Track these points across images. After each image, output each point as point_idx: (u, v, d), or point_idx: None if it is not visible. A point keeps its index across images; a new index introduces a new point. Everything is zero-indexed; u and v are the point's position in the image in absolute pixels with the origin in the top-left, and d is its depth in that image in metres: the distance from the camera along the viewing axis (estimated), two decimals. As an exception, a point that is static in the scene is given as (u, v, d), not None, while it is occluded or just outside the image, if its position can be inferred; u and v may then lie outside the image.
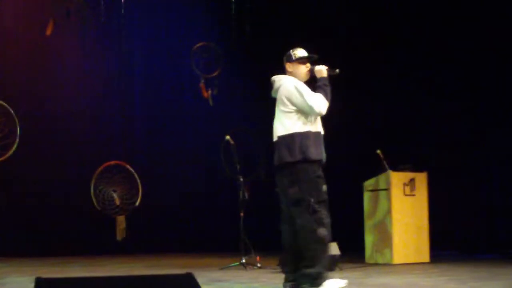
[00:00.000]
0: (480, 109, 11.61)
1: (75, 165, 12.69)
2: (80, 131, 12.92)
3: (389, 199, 10.01)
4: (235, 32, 13.19)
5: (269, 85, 6.73)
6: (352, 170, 12.01)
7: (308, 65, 6.69)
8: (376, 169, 10.10)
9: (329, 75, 6.60)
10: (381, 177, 10.13)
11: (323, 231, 6.25)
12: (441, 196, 10.91)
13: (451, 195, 11.70)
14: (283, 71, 6.76)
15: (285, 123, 6.45)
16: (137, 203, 11.83)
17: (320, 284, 6.18)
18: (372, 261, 10.07)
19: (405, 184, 10.10)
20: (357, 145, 12.45)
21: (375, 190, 10.21)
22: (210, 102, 10.50)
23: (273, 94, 6.69)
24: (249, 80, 13.96)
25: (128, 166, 11.95)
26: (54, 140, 12.56)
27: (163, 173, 13.66)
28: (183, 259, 11.47)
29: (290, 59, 6.73)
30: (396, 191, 10.08)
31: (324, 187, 6.43)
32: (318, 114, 6.39)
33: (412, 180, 10.20)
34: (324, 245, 6.32)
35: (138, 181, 11.98)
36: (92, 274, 8.43)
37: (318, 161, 6.40)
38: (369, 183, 10.31)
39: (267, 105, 14.20)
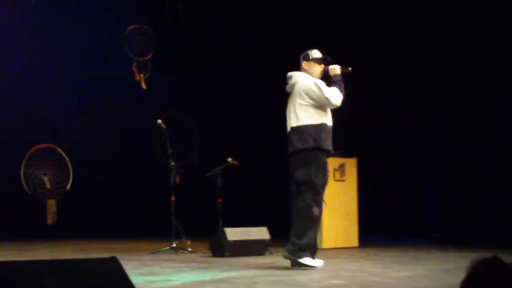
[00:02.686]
0: (413, 95, 11.79)
1: (4, 148, 12.49)
2: (10, 113, 12.71)
3: (319, 184, 10.12)
4: (169, 15, 13.12)
5: (284, 80, 7.44)
6: (281, 154, 12.09)
7: (322, 65, 7.37)
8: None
9: (343, 73, 7.32)
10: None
11: (317, 212, 6.99)
12: (370, 182, 11.10)
13: (380, 181, 11.91)
14: (297, 67, 7.41)
15: (300, 116, 7.11)
16: (68, 187, 11.69)
17: (301, 256, 6.91)
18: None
19: (335, 170, 10.24)
20: (284, 130, 12.54)
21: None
22: (143, 85, 10.41)
23: (288, 89, 7.41)
24: (182, 64, 13.92)
25: (59, 150, 11.78)
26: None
27: (94, 157, 13.55)
28: (114, 243, 11.42)
29: (307, 58, 7.40)
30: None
31: (327, 174, 7.17)
32: (334, 106, 7.12)
33: (342, 166, 10.36)
34: (314, 223, 7.01)
35: (69, 164, 11.83)
36: (18, 258, 8.34)
37: (328, 151, 7.13)
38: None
39: (202, 89, 14.23)
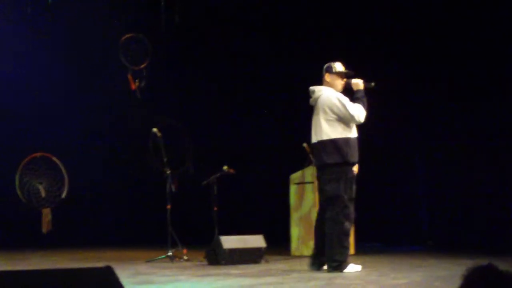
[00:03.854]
0: (405, 101, 11.81)
1: (-1, 157, 12.49)
2: (5, 122, 12.70)
3: (314, 192, 10.13)
4: (164, 23, 13.13)
5: (306, 94, 7.63)
6: (279, 163, 12.12)
7: (345, 79, 7.55)
8: (303, 163, 10.22)
9: (365, 88, 7.51)
10: (307, 171, 10.25)
11: (348, 225, 7.33)
12: (366, 189, 11.10)
13: (376, 188, 11.91)
14: (320, 81, 7.58)
15: (325, 129, 7.34)
16: (63, 196, 11.68)
17: (344, 268, 7.23)
18: (298, 253, 10.18)
19: (330, 178, 10.22)
20: (284, 139, 12.57)
21: (301, 183, 10.32)
22: (138, 94, 10.42)
23: (311, 103, 7.61)
24: (178, 72, 13.93)
25: (54, 158, 11.78)
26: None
27: (90, 165, 13.54)
28: (109, 252, 11.40)
29: (331, 71, 7.56)
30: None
31: (354, 187, 7.39)
32: (358, 122, 7.37)
33: (337, 174, 10.35)
34: (348, 236, 7.34)
35: (65, 173, 11.83)
36: (12, 267, 8.31)
37: (353, 163, 7.39)
38: (295, 176, 10.41)
39: (196, 98, 14.24)
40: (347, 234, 7.33)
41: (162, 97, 13.33)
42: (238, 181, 10.84)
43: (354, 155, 7.37)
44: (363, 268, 7.64)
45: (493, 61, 10.71)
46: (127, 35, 10.53)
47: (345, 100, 7.36)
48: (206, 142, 13.32)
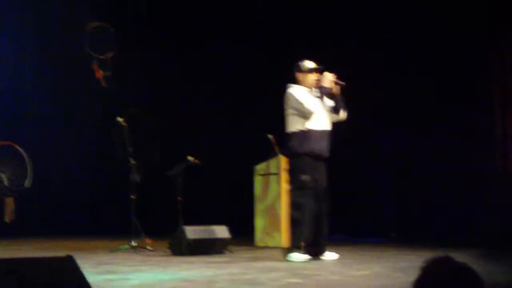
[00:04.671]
0: (364, 102, 11.88)
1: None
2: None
3: (279, 183, 10.18)
4: (131, 13, 13.07)
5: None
6: (243, 154, 12.12)
7: (317, 75, 7.76)
8: (267, 154, 10.25)
9: (338, 84, 7.74)
10: (272, 162, 10.29)
11: (294, 213, 7.65)
12: (331, 181, 11.14)
13: (340, 180, 11.96)
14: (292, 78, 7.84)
15: (287, 123, 7.78)
16: (27, 185, 11.58)
17: (290, 253, 7.60)
18: (262, 244, 10.22)
19: (296, 169, 10.27)
20: (249, 130, 12.57)
21: (266, 175, 10.36)
22: (103, 83, 10.35)
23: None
24: (144, 62, 13.87)
25: (17, 147, 11.66)
26: None
27: (54, 154, 13.44)
28: (73, 241, 11.34)
29: (300, 69, 7.82)
30: (287, 176, 10.24)
31: (304, 177, 7.61)
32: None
33: (302, 165, 10.39)
34: (297, 224, 7.62)
35: (28, 162, 11.72)
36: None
37: (302, 154, 7.63)
38: (260, 168, 10.44)
39: (163, 88, 14.20)
40: (296, 222, 7.64)
41: (128, 86, 13.26)
42: (203, 171, 10.83)
43: (302, 147, 7.63)
44: (325, 259, 7.71)
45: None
46: (93, 24, 10.45)
47: (301, 96, 7.66)
48: (172, 132, 13.29)
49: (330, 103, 7.87)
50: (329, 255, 7.84)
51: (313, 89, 7.83)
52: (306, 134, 7.65)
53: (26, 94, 13.47)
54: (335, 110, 7.84)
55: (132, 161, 9.58)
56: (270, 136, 9.99)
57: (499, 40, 10.58)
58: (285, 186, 10.18)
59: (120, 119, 9.61)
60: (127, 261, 7.84)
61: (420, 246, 9.44)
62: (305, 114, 7.65)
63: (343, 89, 7.82)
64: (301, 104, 7.63)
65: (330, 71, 7.77)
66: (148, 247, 9.28)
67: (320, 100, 7.77)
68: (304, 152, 7.65)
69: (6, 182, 11.47)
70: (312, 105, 7.65)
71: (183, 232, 8.60)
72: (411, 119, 11.32)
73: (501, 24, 10.55)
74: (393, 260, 7.88)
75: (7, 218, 11.79)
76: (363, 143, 11.96)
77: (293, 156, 7.79)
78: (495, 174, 10.43)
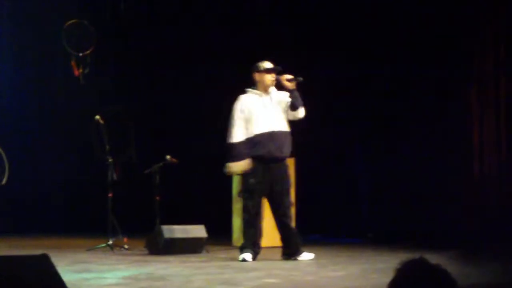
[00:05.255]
0: (351, 96, 11.91)
1: None
2: None
3: (257, 183, 10.16)
4: (110, 10, 13.01)
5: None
6: (221, 153, 12.11)
7: (274, 75, 7.76)
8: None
9: (297, 83, 7.75)
10: (250, 162, 10.27)
11: (243, 215, 7.95)
12: (307, 181, 11.17)
13: (317, 180, 12.00)
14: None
15: None
16: (4, 182, 11.50)
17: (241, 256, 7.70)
18: (239, 244, 10.15)
19: (273, 169, 10.27)
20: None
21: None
22: (81, 81, 10.30)
23: None
24: (122, 60, 13.82)
25: (-6, 144, 11.59)
26: None
27: (31, 151, 13.36)
28: (49, 240, 11.27)
29: (257, 70, 7.82)
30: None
31: (251, 180, 7.73)
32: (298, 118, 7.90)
33: (280, 165, 10.39)
34: (246, 226, 7.84)
35: (5, 159, 11.64)
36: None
37: (255, 158, 7.69)
38: (238, 167, 10.41)
39: (140, 86, 14.16)
40: (244, 224, 7.92)
41: (105, 84, 13.20)
42: (180, 170, 10.81)
43: (256, 151, 7.70)
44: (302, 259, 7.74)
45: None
46: (71, 21, 10.40)
47: (238, 115, 7.79)
48: (149, 131, 13.25)
49: (286, 99, 7.84)
50: (305, 256, 7.86)
51: (269, 90, 7.87)
52: (253, 140, 7.72)
53: (3, 91, 13.37)
54: (292, 107, 7.79)
55: (110, 159, 9.55)
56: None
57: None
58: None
59: (97, 117, 9.57)
60: (103, 260, 7.83)
61: (397, 247, 9.48)
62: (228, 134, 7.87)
63: (299, 85, 7.82)
64: (232, 126, 7.84)
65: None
66: (125, 246, 9.25)
67: (270, 100, 7.82)
68: (252, 156, 7.72)
69: (-18, 179, 11.39)
70: (239, 131, 7.78)
71: (160, 231, 8.59)
72: (389, 118, 11.37)
73: (481, 28, 10.66)
74: (369, 261, 7.92)
75: (-17, 216, 11.71)
76: (341, 142, 12.00)
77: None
78: (472, 175, 10.51)
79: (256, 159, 7.72)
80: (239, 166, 7.82)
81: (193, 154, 12.50)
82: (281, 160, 7.84)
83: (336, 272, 6.61)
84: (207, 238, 8.91)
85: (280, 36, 11.88)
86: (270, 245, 10.00)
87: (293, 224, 8.12)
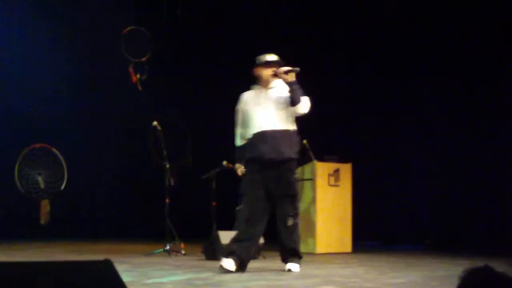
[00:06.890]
0: (402, 103, 11.82)
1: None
2: (5, 113, 12.70)
3: (314, 189, 10.15)
4: (166, 17, 13.12)
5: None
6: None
7: (274, 68, 7.23)
8: (302, 159, 10.20)
9: (292, 71, 7.09)
10: (307, 167, 10.26)
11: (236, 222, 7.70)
12: (365, 187, 11.11)
13: (374, 186, 11.91)
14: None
15: None
16: (63, 187, 11.68)
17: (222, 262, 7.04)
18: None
19: (329, 175, 10.25)
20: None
21: (300, 180, 10.31)
22: (139, 87, 10.40)
23: None
24: (179, 66, 13.92)
25: (53, 149, 11.77)
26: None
27: (89, 157, 13.55)
28: (107, 245, 11.40)
29: (257, 63, 7.39)
30: (321, 181, 10.22)
31: (243, 184, 7.36)
32: (299, 114, 7.19)
33: (336, 171, 10.36)
34: (237, 231, 7.36)
35: (64, 164, 11.81)
36: (10, 259, 8.31)
37: (251, 159, 7.23)
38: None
39: (197, 92, 14.22)
40: (234, 227, 7.81)
41: (163, 90, 13.31)
42: (237, 176, 10.82)
43: (251, 153, 7.23)
44: (361, 266, 7.65)
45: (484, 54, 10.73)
46: (129, 28, 10.51)
47: (241, 115, 7.52)
48: (207, 137, 13.31)
49: (286, 94, 7.15)
50: (291, 266, 7.24)
51: (270, 84, 7.33)
52: (249, 141, 7.28)
53: (63, 99, 13.58)
54: (291, 102, 7.06)
55: (167, 165, 9.61)
56: (304, 142, 9.94)
57: None
58: (319, 192, 10.16)
59: (155, 123, 9.65)
60: (161, 265, 7.86)
61: (455, 253, 9.34)
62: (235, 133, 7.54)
63: (297, 75, 7.14)
64: (236, 126, 7.58)
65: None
66: (182, 251, 9.30)
67: (267, 97, 7.27)
68: (248, 159, 7.27)
69: (42, 185, 11.57)
70: (238, 134, 7.52)
71: (217, 237, 8.60)
72: (447, 122, 11.24)
73: None
74: (429, 268, 7.80)
75: (43, 220, 11.88)
76: (399, 147, 11.91)
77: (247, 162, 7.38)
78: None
79: (252, 161, 7.21)
80: (238, 169, 7.54)
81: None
82: (279, 162, 7.05)
83: (396, 279, 6.52)
84: (264, 244, 8.88)
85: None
86: (325, 251, 9.98)
87: (293, 232, 7.33)
